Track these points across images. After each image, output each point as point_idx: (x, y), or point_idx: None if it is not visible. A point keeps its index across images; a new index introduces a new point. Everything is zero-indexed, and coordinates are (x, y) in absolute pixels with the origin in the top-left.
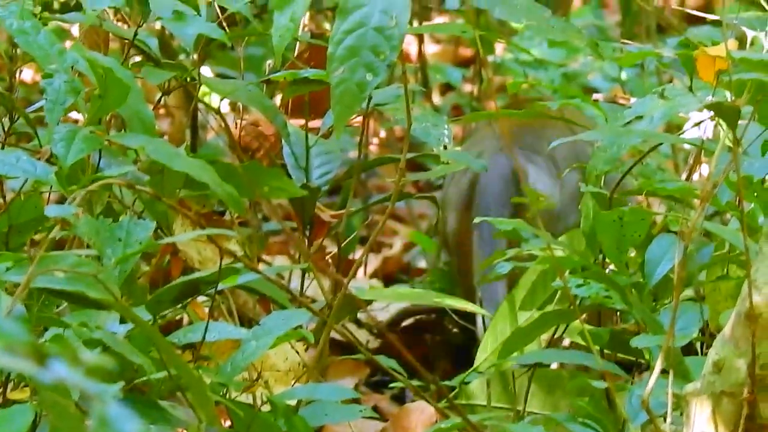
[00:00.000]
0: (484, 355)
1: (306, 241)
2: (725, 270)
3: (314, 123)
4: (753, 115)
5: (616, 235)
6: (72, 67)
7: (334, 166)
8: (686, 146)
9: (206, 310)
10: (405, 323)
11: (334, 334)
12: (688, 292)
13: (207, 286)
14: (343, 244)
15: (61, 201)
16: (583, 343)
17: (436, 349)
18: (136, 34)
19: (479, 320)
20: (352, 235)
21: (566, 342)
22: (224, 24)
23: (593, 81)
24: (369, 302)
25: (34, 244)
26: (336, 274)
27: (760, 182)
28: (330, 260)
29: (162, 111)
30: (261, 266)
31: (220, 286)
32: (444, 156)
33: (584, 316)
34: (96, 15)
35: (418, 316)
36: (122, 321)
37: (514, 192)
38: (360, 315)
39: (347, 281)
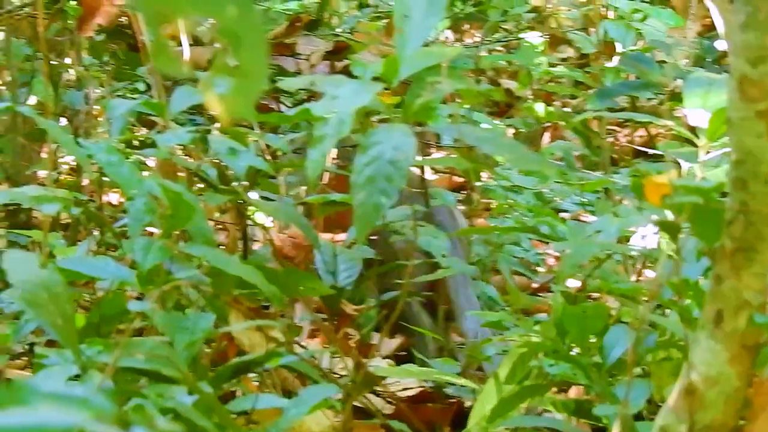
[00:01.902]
0: (475, 420)
1: (334, 329)
2: (667, 353)
3: (340, 236)
4: (690, 230)
5: (580, 326)
6: (149, 192)
7: (355, 271)
8: (634, 254)
9: (255, 384)
10: (411, 393)
11: (357, 403)
12: (638, 371)
13: (256, 366)
14: (363, 332)
15: (140, 298)
16: (555, 411)
17: (437, 414)
18: (199, 166)
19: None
20: (370, 325)
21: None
22: (268, 157)
23: (562, 203)
24: (383, 378)
25: (119, 332)
26: (358, 355)
27: (695, 283)
28: (353, 344)
29: (220, 227)
30: (298, 350)
31: (267, 366)
32: (442, 262)
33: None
34: (167, 150)
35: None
36: (190, 393)
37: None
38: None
39: (367, 361)
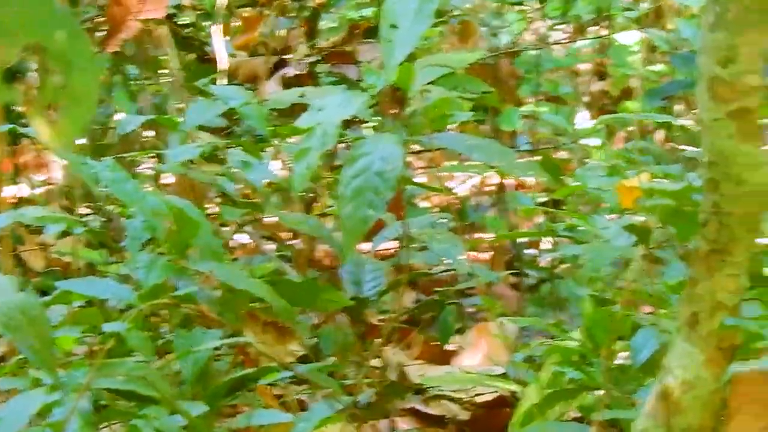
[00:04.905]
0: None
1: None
2: None
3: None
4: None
5: (606, 330)
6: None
7: (382, 280)
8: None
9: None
10: (488, 398)
11: (432, 410)
12: None
13: (251, 381)
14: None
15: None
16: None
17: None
18: (214, 180)
19: None
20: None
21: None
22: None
23: None
24: (419, 385)
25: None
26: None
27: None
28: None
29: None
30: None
31: (263, 381)
32: (458, 265)
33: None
34: (180, 165)
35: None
36: (171, 413)
37: None
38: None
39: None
